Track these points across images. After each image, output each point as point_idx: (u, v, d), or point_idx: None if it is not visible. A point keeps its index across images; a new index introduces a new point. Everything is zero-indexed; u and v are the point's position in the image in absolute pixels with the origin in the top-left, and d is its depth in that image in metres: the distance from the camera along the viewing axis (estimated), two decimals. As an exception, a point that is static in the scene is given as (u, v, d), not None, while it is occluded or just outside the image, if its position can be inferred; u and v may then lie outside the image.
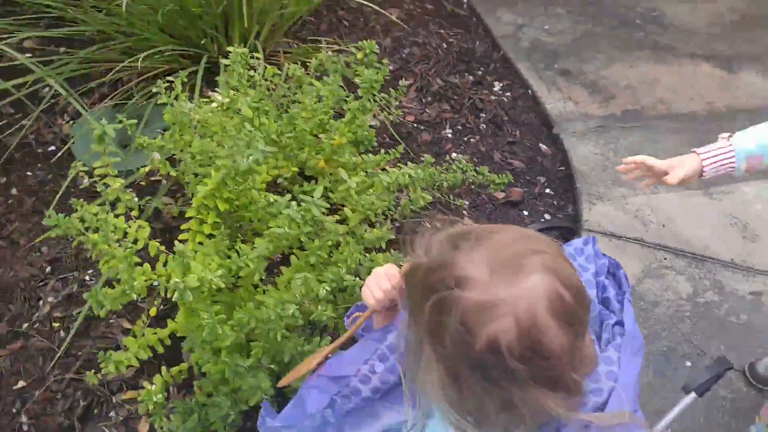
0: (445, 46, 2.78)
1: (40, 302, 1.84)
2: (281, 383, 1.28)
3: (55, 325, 1.80)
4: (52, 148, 2.19)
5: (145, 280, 1.36)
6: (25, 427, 1.62)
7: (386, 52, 2.67)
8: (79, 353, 1.74)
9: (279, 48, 2.38)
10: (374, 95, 1.69)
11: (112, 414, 1.64)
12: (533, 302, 0.71)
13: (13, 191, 2.08)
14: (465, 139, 2.42)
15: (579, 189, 2.29)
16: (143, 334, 1.48)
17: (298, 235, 1.35)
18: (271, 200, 1.38)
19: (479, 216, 2.18)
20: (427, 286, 0.77)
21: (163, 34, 2.16)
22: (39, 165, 2.15)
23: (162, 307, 1.79)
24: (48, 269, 1.91)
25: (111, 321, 1.80)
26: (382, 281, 1.10)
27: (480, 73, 2.70)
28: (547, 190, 2.31)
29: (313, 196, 1.33)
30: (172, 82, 1.64)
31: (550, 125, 2.53)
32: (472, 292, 0.73)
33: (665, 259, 2.12)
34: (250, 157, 1.33)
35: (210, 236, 1.49)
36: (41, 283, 1.87)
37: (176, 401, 1.47)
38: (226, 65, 1.69)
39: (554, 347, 0.72)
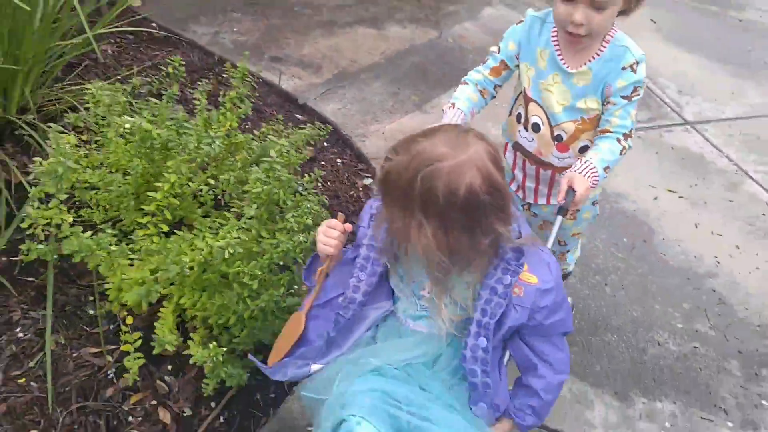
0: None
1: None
2: (270, 362, 1.48)
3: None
4: None
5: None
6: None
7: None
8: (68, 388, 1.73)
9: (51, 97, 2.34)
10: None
11: (131, 419, 1.70)
12: (483, 157, 1.16)
13: None
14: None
15: (347, 135, 2.88)
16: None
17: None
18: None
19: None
20: (411, 170, 1.15)
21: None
22: None
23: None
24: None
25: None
26: (330, 231, 1.40)
27: (216, 77, 3.03)
28: (326, 144, 2.84)
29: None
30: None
31: (294, 99, 3.05)
32: (446, 161, 1.13)
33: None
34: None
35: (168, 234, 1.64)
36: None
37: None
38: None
39: (502, 183, 1.18)
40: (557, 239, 1.93)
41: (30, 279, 1.96)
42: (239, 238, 1.57)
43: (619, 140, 1.65)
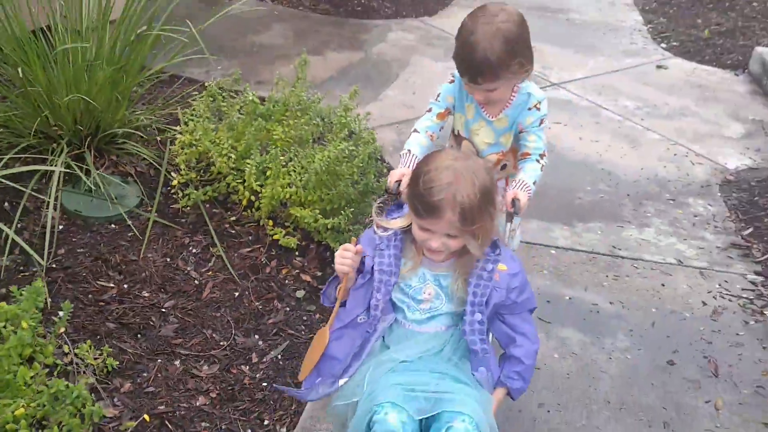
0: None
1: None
2: (302, 376, 1.75)
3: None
4: None
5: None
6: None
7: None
8: (242, 270, 2.64)
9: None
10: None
11: (286, 281, 2.65)
12: (479, 170, 1.56)
13: None
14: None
15: (337, 118, 3.95)
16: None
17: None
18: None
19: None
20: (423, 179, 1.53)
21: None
22: None
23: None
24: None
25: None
26: (345, 253, 1.66)
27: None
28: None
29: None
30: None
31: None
32: (445, 173, 1.51)
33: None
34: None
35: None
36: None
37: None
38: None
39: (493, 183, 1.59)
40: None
41: (183, 220, 2.84)
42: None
43: (538, 161, 2.10)
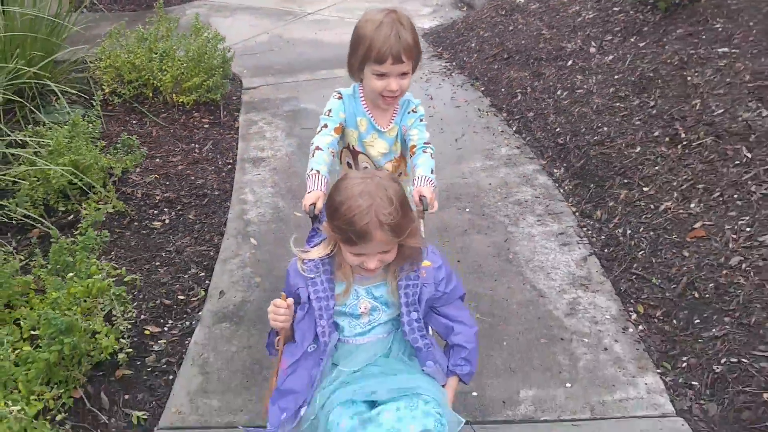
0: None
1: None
2: (266, 407, 1.74)
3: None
4: None
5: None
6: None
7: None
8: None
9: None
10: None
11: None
12: (387, 182, 1.55)
13: None
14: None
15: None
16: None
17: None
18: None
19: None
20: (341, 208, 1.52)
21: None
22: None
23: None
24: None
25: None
26: (277, 310, 1.69)
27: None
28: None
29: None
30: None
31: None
32: (361, 198, 1.50)
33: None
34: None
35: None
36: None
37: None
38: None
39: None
40: None
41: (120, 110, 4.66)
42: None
43: (425, 151, 2.09)
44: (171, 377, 2.55)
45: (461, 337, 1.78)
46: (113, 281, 2.56)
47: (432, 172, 2.05)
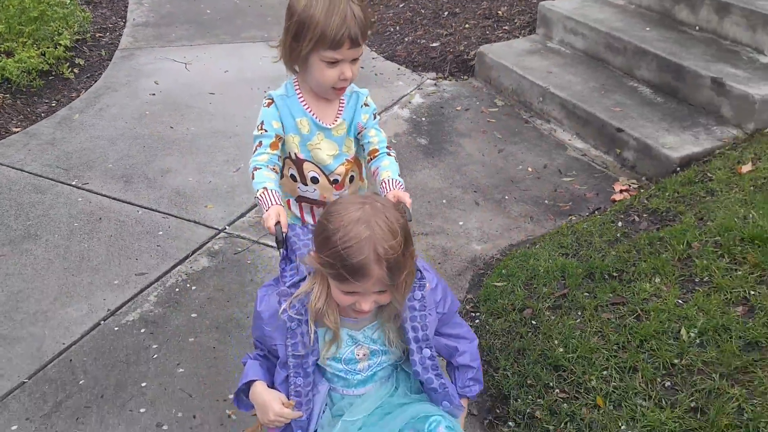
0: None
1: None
2: None
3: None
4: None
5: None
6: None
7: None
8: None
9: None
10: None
11: None
12: (388, 209, 1.34)
13: None
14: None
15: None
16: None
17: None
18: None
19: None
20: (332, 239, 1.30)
21: None
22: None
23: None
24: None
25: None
26: (283, 419, 1.47)
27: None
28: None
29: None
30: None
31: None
32: (358, 226, 1.28)
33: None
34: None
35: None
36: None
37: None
38: None
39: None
40: None
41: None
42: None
43: (388, 153, 1.91)
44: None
45: (467, 357, 1.64)
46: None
47: (399, 175, 1.85)
